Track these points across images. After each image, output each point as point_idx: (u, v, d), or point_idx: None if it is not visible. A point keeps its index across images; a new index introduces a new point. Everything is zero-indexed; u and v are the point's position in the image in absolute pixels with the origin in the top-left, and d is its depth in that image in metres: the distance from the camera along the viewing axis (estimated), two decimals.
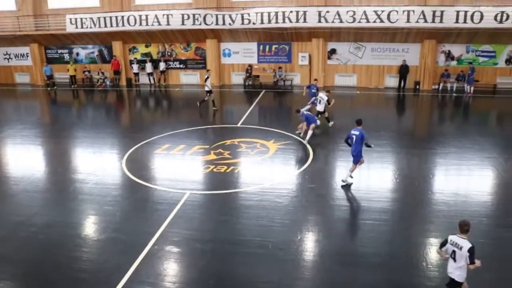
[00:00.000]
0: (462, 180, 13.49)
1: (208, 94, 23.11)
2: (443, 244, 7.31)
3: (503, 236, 9.97)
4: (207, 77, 23.03)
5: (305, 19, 26.84)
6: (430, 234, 10.13)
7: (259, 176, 13.94)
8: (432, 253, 9.20)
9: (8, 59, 34.34)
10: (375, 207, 11.45)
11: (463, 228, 7.04)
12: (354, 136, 12.70)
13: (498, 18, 24.61)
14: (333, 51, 29.05)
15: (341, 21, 26.41)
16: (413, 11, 25.35)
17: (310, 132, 16.90)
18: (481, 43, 27.01)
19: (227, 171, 14.26)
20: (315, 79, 23.08)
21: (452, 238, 7.13)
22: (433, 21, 25.28)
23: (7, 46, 33.63)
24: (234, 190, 12.89)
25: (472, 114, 23.92)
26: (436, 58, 27.71)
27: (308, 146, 16.35)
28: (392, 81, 28.64)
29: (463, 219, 7.25)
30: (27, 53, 33.56)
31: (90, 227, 11.19)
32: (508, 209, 11.34)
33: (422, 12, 25.24)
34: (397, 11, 25.52)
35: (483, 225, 10.44)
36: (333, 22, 26.56)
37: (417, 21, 25.45)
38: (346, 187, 12.78)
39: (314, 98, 20.16)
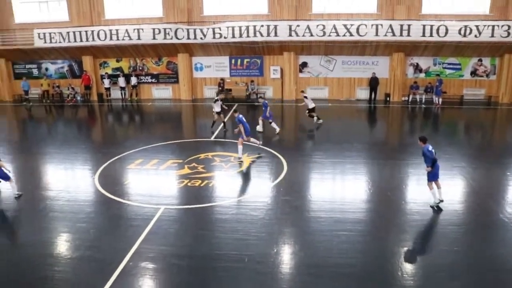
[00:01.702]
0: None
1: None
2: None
3: (473, 244, 10.19)
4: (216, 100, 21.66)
5: (276, 33, 27.14)
6: (405, 243, 10.27)
7: (234, 189, 13.92)
8: (407, 262, 9.34)
9: None
10: (350, 218, 11.55)
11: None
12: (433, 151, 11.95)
13: (462, 32, 25.45)
14: (304, 64, 29.43)
15: (311, 35, 26.83)
16: (381, 24, 25.98)
17: (240, 149, 16.55)
18: (447, 56, 27.84)
19: (202, 185, 14.19)
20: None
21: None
22: (401, 35, 25.95)
23: None
24: (209, 204, 12.82)
25: (441, 124, 24.52)
26: (405, 71, 28.38)
27: (282, 159, 16.43)
28: (363, 93, 29.16)
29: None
30: None
31: (62, 245, 10.91)
32: (477, 218, 11.61)
33: (390, 26, 25.89)
34: (366, 25, 26.10)
35: (453, 233, 10.65)
36: (303, 35, 26.97)
37: (385, 35, 26.08)
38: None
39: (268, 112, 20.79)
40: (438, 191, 12.01)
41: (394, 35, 26.01)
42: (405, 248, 10.03)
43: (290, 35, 27.13)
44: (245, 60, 29.98)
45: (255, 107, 27.70)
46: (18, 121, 28.09)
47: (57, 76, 32.59)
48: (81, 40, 29.31)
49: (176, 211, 12.48)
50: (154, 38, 28.57)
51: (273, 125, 20.82)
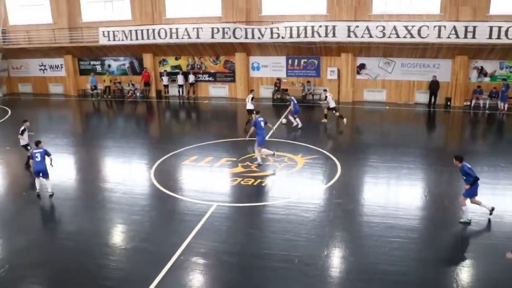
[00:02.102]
0: (496, 199, 13.07)
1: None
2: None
3: None
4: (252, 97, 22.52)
5: (334, 33, 26.80)
6: (461, 254, 9.86)
7: (286, 190, 13.88)
8: (463, 274, 8.96)
9: (43, 70, 35.32)
10: (403, 224, 11.23)
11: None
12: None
13: None
14: (362, 66, 28.90)
15: (370, 36, 26.29)
16: (445, 26, 25.06)
17: (258, 155, 16.08)
18: None
19: (254, 184, 14.25)
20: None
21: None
22: (465, 37, 24.90)
23: (42, 58, 34.61)
24: (261, 203, 12.87)
25: (506, 132, 23.31)
26: (468, 74, 27.23)
27: (336, 161, 16.21)
28: (422, 97, 28.24)
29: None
30: (61, 65, 34.47)
31: (117, 236, 11.31)
32: None
33: (454, 27, 24.91)
34: (427, 26, 25.25)
35: None
36: (362, 37, 26.46)
37: (448, 37, 25.12)
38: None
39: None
40: (483, 204, 11.35)
41: (457, 37, 25.00)
42: (461, 260, 9.62)
43: (349, 36, 26.70)
44: (302, 61, 29.82)
45: (311, 108, 27.52)
46: (81, 115, 29.37)
47: (119, 72, 33.75)
48: (143, 38, 30.19)
49: (228, 208, 12.61)
50: (212, 37, 28.98)
51: (297, 120, 21.74)
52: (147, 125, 26.25)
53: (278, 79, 30.16)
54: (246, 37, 28.47)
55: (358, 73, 29.09)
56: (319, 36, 26.97)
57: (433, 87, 27.36)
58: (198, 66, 31.94)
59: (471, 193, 11.28)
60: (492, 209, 11.38)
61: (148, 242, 10.63)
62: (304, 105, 27.78)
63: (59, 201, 13.42)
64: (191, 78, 31.67)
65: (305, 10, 28.57)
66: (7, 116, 26.42)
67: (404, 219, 11.53)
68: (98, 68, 33.73)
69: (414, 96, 28.51)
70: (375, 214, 11.93)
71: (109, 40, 30.91)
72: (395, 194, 13.85)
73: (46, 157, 13.64)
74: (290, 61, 30.02)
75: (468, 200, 11.35)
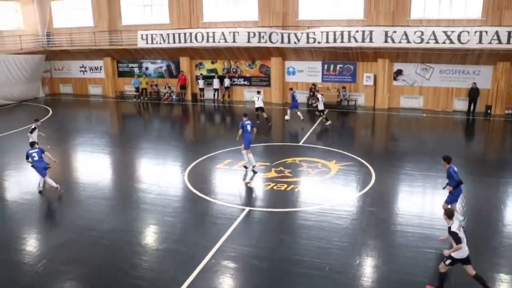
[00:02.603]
0: None
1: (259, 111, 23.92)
2: (458, 239, 8.22)
3: None
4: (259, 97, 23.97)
5: (371, 39, 26.47)
6: (500, 268, 9.54)
7: (319, 196, 13.77)
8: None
9: (83, 71, 36.28)
10: (439, 235, 10.89)
11: (452, 213, 8.62)
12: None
13: None
14: (399, 72, 28.40)
15: (408, 42, 25.79)
16: (486, 31, 24.34)
17: (246, 157, 16.07)
18: None
19: (287, 189, 14.20)
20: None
21: (455, 226, 8.39)
22: (508, 42, 24.11)
23: (83, 60, 35.57)
24: (293, 209, 12.80)
25: None
26: (511, 82, 26.37)
27: (371, 168, 15.98)
28: (461, 104, 27.52)
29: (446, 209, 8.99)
30: (100, 67, 35.32)
31: (150, 236, 11.48)
32: None
33: (496, 32, 24.16)
34: (468, 32, 24.59)
35: None
36: (400, 42, 25.99)
37: (490, 42, 24.38)
38: None
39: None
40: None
41: (500, 42, 24.22)
42: (501, 274, 9.30)
43: (386, 41, 26.29)
44: (338, 66, 29.55)
45: (346, 114, 27.25)
46: (118, 116, 30.01)
47: (156, 75, 34.29)
48: (180, 42, 30.58)
49: (261, 213, 12.61)
50: (248, 41, 29.06)
51: (299, 113, 23.23)
52: (182, 128, 26.56)
53: (314, 84, 29.99)
54: (282, 42, 28.43)
55: (395, 79, 28.60)
56: (356, 41, 26.68)
57: (473, 94, 26.62)
58: (234, 70, 32.12)
59: (452, 200, 11.20)
60: (464, 219, 11.50)
61: (180, 244, 10.73)
62: (338, 111, 27.58)
63: (96, 200, 13.74)
64: (227, 82, 31.86)
65: (341, 15, 28.32)
66: (48, 116, 27.24)
67: (440, 229, 11.21)
68: (136, 70, 34.35)
69: (452, 103, 27.82)
70: (409, 224, 11.69)
71: (147, 43, 31.46)
72: (430, 204, 13.54)
73: (43, 155, 14.26)
74: (326, 66, 29.81)
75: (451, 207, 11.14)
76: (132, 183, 15.30)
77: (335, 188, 14.63)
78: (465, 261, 8.43)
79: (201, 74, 32.57)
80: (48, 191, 14.35)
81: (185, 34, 30.21)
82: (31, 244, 11.17)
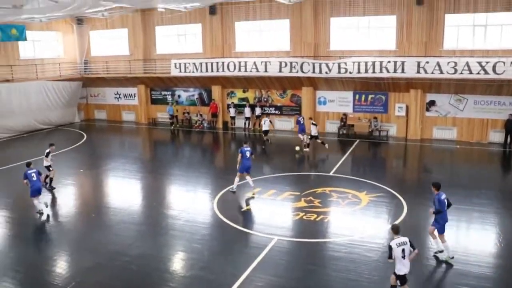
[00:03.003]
0: None
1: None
2: (390, 254, 8.78)
3: None
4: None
5: (403, 69, 26.31)
6: None
7: (349, 227, 13.54)
8: None
9: (118, 98, 37.24)
10: (474, 271, 10.56)
11: (398, 229, 8.99)
12: (446, 201, 11.41)
13: None
14: (432, 103, 28.05)
15: (441, 72, 25.52)
16: None
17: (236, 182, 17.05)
18: None
19: (317, 219, 14.02)
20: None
21: (395, 241, 8.78)
22: None
23: (118, 87, 36.57)
24: (322, 239, 12.62)
25: None
26: None
27: (403, 200, 15.65)
28: (497, 136, 26.86)
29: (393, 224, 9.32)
30: (134, 94, 36.18)
31: (178, 262, 11.47)
32: None
33: None
34: (504, 62, 24.16)
35: None
36: (432, 73, 25.74)
37: None
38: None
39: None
40: (444, 244, 11.21)
41: None
42: None
43: (418, 71, 26.09)
44: (370, 96, 29.40)
45: (378, 144, 26.94)
46: (150, 142, 30.49)
47: (188, 103, 34.84)
48: (212, 71, 31.11)
49: (289, 243, 12.46)
50: (280, 71, 29.32)
51: (303, 137, 24.24)
52: (212, 155, 26.75)
53: (345, 114, 29.90)
54: (313, 72, 28.56)
55: (428, 110, 28.23)
56: (388, 71, 26.57)
57: (509, 126, 25.96)
58: (265, 99, 32.35)
59: (439, 229, 11.26)
60: (441, 251, 11.30)
61: (207, 271, 10.68)
62: (370, 141, 27.32)
63: (126, 225, 13.88)
64: (258, 110, 32.07)
65: (373, 45, 28.37)
66: (82, 140, 27.91)
67: (475, 265, 10.85)
68: (169, 98, 35.01)
69: (487, 135, 27.20)
70: (442, 259, 11.31)
71: (180, 71, 32.12)
72: (465, 238, 13.11)
73: (40, 176, 14.72)
74: (357, 96, 29.71)
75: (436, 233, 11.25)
76: (162, 209, 15.41)
77: (365, 219, 14.36)
78: (402, 279, 9.03)
79: (232, 102, 32.91)
80: (81, 214, 14.59)
81: (217, 63, 30.74)
82: (61, 266, 11.35)
